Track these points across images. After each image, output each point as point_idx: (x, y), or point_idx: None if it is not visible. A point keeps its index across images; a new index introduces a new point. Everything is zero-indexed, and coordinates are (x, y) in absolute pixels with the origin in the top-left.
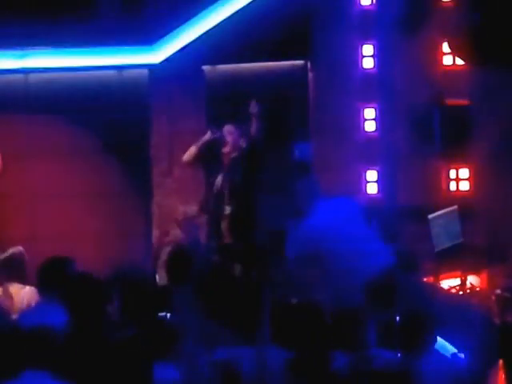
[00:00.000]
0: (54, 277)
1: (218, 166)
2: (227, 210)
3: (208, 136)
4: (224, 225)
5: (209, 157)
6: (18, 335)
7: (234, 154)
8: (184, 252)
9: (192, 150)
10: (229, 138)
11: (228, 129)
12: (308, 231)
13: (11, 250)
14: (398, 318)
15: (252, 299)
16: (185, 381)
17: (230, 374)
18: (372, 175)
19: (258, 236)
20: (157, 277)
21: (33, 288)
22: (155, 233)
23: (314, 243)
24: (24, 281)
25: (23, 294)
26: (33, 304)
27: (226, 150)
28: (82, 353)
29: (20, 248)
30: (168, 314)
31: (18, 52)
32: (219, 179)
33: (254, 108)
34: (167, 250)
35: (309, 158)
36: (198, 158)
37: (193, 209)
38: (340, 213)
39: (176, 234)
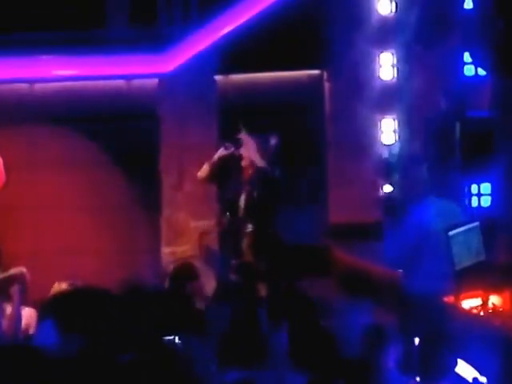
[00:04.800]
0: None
1: (235, 181)
2: (249, 227)
3: (221, 152)
4: (245, 243)
5: (224, 173)
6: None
7: (252, 170)
8: (190, 266)
9: (206, 168)
10: (245, 152)
11: (244, 139)
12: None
13: (12, 271)
14: (417, 340)
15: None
16: None
17: None
18: (390, 190)
19: (284, 253)
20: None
21: (32, 310)
22: (164, 249)
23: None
24: (25, 300)
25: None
26: (31, 325)
27: (244, 163)
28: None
29: (21, 269)
30: (176, 338)
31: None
32: (240, 196)
33: (272, 141)
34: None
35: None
36: (213, 175)
37: (204, 224)
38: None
39: (185, 250)
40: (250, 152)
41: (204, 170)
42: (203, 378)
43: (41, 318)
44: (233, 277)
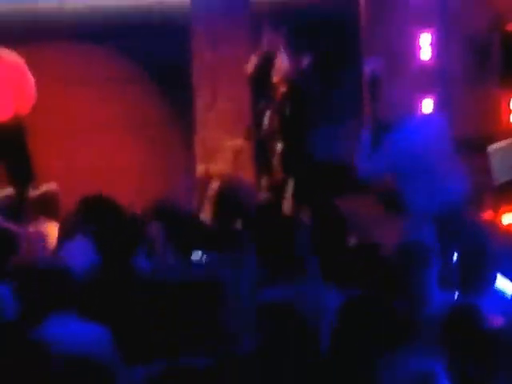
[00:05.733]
0: (92, 216)
1: (267, 95)
2: (279, 146)
3: (269, 41)
4: (275, 161)
5: (260, 79)
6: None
7: (283, 89)
8: (234, 188)
9: (253, 60)
10: (278, 65)
11: (278, 50)
12: (394, 148)
13: (44, 187)
14: (456, 255)
15: (302, 239)
16: (232, 323)
17: (286, 315)
18: (428, 104)
19: (315, 170)
20: (202, 214)
21: None
22: (199, 167)
23: (404, 157)
24: (57, 218)
25: (56, 232)
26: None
27: (276, 79)
28: (110, 293)
29: (54, 185)
30: (204, 255)
31: None
32: (269, 114)
33: (305, 60)
34: (214, 185)
35: (379, 73)
36: (258, 70)
37: (239, 142)
38: (430, 129)
39: (221, 168)
40: (283, 65)
41: (251, 64)
42: (235, 298)
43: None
44: (263, 195)
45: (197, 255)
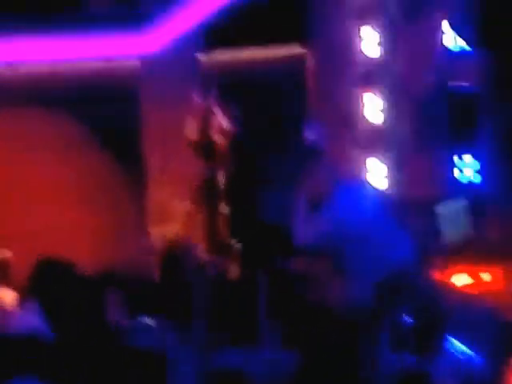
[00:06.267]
0: (42, 280)
1: (211, 157)
2: (224, 208)
3: (196, 100)
4: (222, 225)
5: (201, 141)
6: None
7: (225, 147)
8: (175, 252)
9: (191, 122)
10: (215, 119)
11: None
12: (331, 217)
13: None
14: (408, 319)
15: (252, 301)
16: None
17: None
18: (375, 165)
19: (261, 233)
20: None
21: (15, 293)
22: (151, 229)
23: (336, 230)
24: (9, 284)
25: (6, 298)
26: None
27: (216, 137)
28: (71, 357)
29: (6, 252)
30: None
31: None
32: (218, 176)
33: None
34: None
35: (320, 140)
36: (203, 135)
37: (189, 205)
38: (360, 198)
39: (172, 230)
40: (220, 120)
41: (190, 127)
42: (181, 363)
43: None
44: (209, 257)
45: (145, 320)
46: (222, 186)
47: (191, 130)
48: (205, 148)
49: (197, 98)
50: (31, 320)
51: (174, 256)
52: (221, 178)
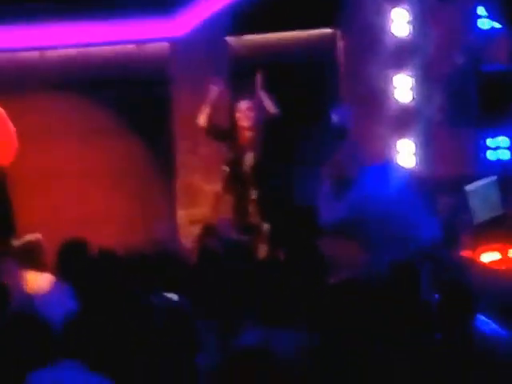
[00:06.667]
0: (71, 261)
1: (237, 143)
2: (253, 193)
3: (214, 90)
4: (251, 208)
5: (225, 128)
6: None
7: (252, 133)
8: (212, 231)
9: (204, 110)
10: (242, 113)
11: (243, 105)
12: (357, 198)
13: (27, 237)
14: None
15: (278, 280)
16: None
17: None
18: (405, 145)
19: (289, 213)
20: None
21: (50, 275)
22: (180, 213)
23: (363, 210)
24: (42, 268)
25: (40, 282)
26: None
27: (242, 123)
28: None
29: (37, 235)
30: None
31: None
32: (243, 159)
33: (258, 80)
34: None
35: (347, 123)
36: (212, 125)
37: (218, 188)
38: (387, 178)
39: (201, 213)
40: (265, 104)
41: (203, 115)
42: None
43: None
44: (239, 237)
45: (172, 296)
46: (250, 169)
47: (203, 115)
48: (224, 132)
49: (216, 84)
50: (65, 302)
51: (209, 239)
52: (248, 161)
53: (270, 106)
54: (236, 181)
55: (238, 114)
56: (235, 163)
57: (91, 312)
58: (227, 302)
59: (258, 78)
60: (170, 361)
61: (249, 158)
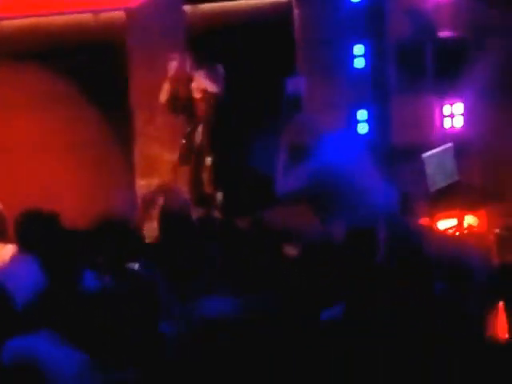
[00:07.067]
0: (34, 232)
1: (193, 114)
2: (208, 161)
3: (174, 65)
4: (205, 176)
5: (182, 100)
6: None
7: (205, 104)
8: (179, 203)
9: (165, 87)
10: (196, 82)
11: (196, 76)
12: (314, 166)
13: None
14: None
15: (237, 249)
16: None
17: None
18: (362, 114)
19: (243, 183)
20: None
21: (13, 246)
22: (138, 182)
23: (320, 179)
24: (5, 238)
25: (4, 252)
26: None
27: (196, 95)
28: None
29: None
30: (137, 265)
31: None
32: (197, 130)
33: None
34: (159, 200)
35: (301, 92)
36: (174, 96)
37: (175, 157)
38: (344, 146)
39: (159, 182)
40: (201, 80)
41: (163, 91)
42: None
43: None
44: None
45: (135, 266)
46: (205, 139)
47: (163, 92)
48: (184, 104)
49: (173, 57)
50: (29, 272)
51: (173, 208)
52: (202, 131)
53: (210, 85)
54: (191, 152)
55: (192, 86)
56: (190, 135)
57: (56, 284)
58: (189, 269)
59: (196, 55)
60: (134, 329)
61: (203, 129)
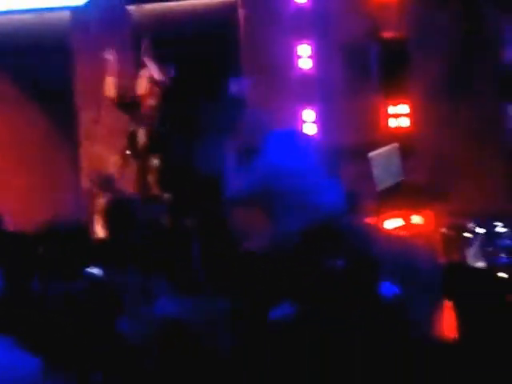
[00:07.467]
0: None
1: (138, 112)
2: (154, 162)
3: (110, 60)
4: (151, 177)
5: (130, 99)
6: None
7: (151, 102)
8: (124, 203)
9: (108, 81)
10: (138, 82)
11: (146, 60)
12: (261, 167)
13: None
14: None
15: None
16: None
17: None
18: (309, 114)
19: (191, 184)
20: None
21: None
22: (84, 183)
23: (268, 180)
24: None
25: None
26: None
27: (139, 93)
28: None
29: None
30: (96, 270)
31: None
32: (141, 131)
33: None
34: (103, 201)
35: (245, 93)
36: (121, 93)
37: (120, 158)
38: (291, 146)
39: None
40: (151, 71)
41: (107, 85)
42: (130, 309)
43: None
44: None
45: (94, 270)
46: (147, 140)
47: (109, 88)
48: (128, 103)
49: (112, 56)
50: None
51: (119, 207)
52: (147, 131)
53: (157, 73)
54: (135, 152)
55: (138, 80)
56: (133, 134)
57: (7, 287)
58: (145, 268)
59: (143, 45)
60: (89, 331)
61: (146, 128)
